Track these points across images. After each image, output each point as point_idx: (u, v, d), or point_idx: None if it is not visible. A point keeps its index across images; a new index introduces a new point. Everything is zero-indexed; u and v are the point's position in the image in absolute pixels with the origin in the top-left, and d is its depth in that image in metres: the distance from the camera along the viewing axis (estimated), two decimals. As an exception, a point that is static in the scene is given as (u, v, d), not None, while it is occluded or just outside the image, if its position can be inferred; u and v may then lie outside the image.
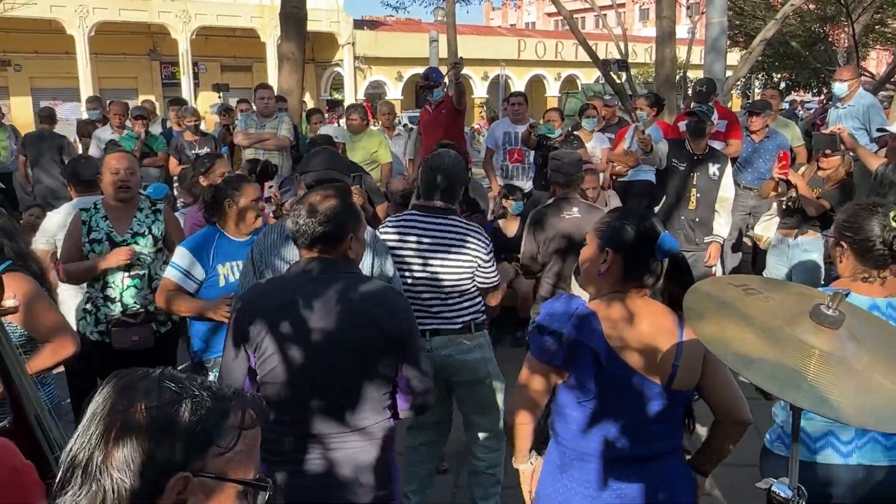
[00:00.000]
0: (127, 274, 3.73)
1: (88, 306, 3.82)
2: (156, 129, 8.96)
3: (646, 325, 2.05)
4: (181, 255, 3.38)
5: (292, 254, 2.76)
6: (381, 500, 2.25)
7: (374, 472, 2.22)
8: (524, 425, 2.16)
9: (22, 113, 26.21)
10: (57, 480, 1.04)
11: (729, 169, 5.44)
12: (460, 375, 3.32)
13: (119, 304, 3.75)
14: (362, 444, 2.19)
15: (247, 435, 1.11)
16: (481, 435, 3.48)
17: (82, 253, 3.74)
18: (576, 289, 2.79)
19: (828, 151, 4.87)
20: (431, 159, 3.42)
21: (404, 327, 2.24)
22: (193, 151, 7.50)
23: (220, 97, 10.84)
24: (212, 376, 3.16)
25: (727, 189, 5.41)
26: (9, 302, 1.79)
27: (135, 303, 3.76)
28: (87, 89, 24.91)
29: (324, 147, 4.26)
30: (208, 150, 7.56)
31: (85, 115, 9.28)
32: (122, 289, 3.74)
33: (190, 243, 3.45)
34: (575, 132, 7.03)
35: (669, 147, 5.53)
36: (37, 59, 26.30)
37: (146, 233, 3.81)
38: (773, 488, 1.49)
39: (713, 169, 5.36)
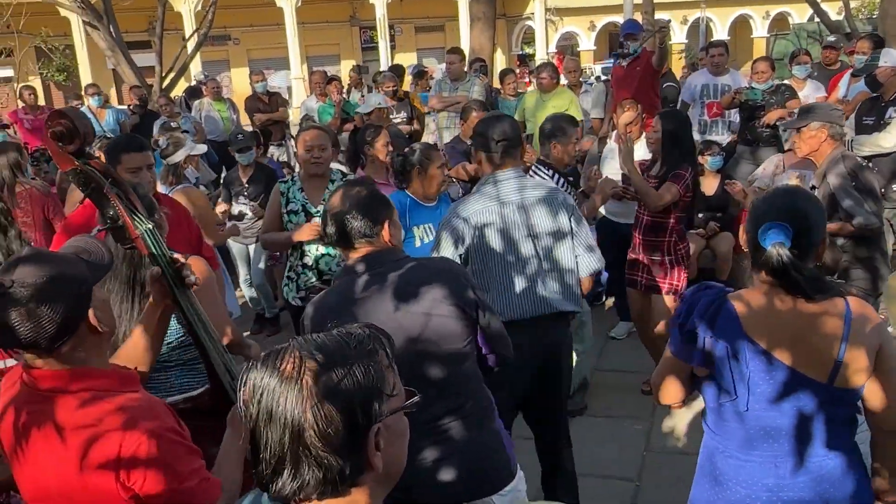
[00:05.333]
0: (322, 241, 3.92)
1: (290, 273, 4.03)
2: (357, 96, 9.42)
3: (797, 316, 1.83)
4: None
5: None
6: (506, 461, 2.28)
7: (496, 437, 2.26)
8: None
9: (241, 85, 28.54)
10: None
11: None
12: None
13: (315, 271, 3.92)
14: (472, 417, 2.20)
15: (392, 364, 1.15)
16: None
17: (282, 222, 3.99)
18: None
19: None
20: None
21: (472, 290, 2.23)
22: (392, 115, 7.82)
23: (353, 72, 11.08)
24: None
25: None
26: (191, 278, 1.93)
27: (329, 269, 3.90)
28: (295, 58, 26.64)
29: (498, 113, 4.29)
30: (405, 114, 7.86)
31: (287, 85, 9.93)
32: (318, 256, 3.91)
33: None
34: (785, 81, 6.51)
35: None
36: (251, 32, 28.37)
37: None
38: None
39: (890, 111, 4.90)
